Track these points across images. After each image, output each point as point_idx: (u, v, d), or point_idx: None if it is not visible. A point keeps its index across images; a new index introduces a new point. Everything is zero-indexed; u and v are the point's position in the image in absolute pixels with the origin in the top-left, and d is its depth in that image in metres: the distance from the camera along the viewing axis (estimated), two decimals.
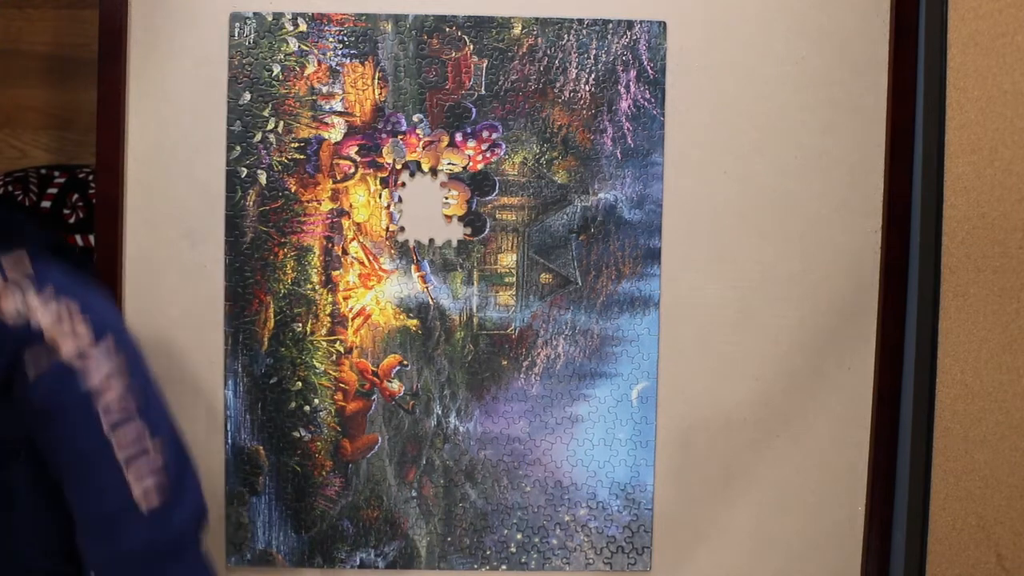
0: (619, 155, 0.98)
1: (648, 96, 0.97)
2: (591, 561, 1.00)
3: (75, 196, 1.13)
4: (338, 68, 0.96)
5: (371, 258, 0.98)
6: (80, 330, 0.78)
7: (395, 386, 0.99)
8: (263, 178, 0.97)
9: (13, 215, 1.10)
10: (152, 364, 0.97)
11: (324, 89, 0.96)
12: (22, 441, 0.82)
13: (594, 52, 0.97)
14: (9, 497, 1.01)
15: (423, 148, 0.97)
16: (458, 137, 0.97)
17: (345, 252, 0.97)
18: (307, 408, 0.98)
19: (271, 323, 0.98)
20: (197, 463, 0.81)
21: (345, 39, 0.96)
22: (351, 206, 0.97)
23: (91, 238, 1.11)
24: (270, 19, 0.96)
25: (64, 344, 0.77)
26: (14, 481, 1.02)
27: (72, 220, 1.12)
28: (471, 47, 0.97)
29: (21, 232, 1.07)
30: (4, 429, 0.81)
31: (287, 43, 0.96)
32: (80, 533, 0.81)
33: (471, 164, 0.97)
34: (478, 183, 0.97)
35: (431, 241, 0.97)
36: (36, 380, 0.78)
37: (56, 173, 1.17)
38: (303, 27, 0.96)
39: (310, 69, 0.96)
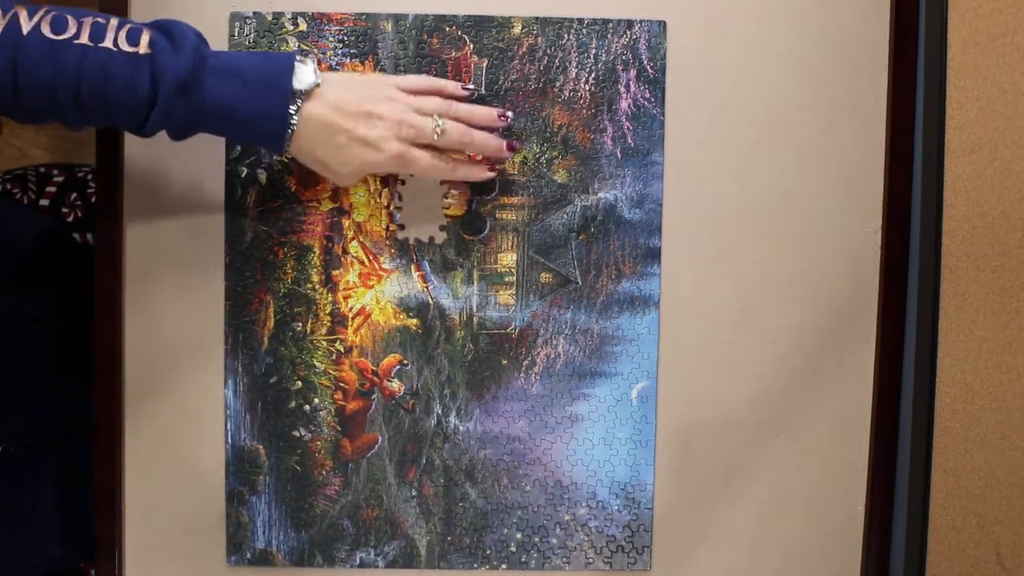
0: (619, 155, 0.97)
1: (648, 96, 0.97)
2: (591, 560, 1.00)
3: (73, 195, 1.13)
4: (338, 68, 0.96)
5: (371, 257, 0.98)
6: None
7: (395, 385, 0.99)
8: (263, 178, 0.97)
9: (14, 205, 1.10)
10: (152, 363, 0.98)
11: None
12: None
13: (594, 52, 0.97)
14: (26, 489, 1.02)
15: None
16: None
17: (345, 252, 0.97)
18: (307, 408, 0.98)
19: (271, 323, 0.98)
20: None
21: (345, 39, 0.96)
22: (351, 206, 0.97)
23: (89, 237, 1.11)
24: (270, 19, 0.96)
25: None
26: (33, 472, 1.02)
27: (70, 219, 1.12)
28: (471, 47, 0.97)
29: (22, 222, 1.07)
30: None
31: (287, 43, 0.96)
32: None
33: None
34: (478, 183, 0.97)
35: (431, 240, 0.97)
36: None
37: (55, 172, 1.17)
38: (303, 27, 0.96)
39: None
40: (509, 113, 0.94)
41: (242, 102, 0.80)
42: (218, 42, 0.95)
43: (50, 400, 1.03)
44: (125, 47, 0.77)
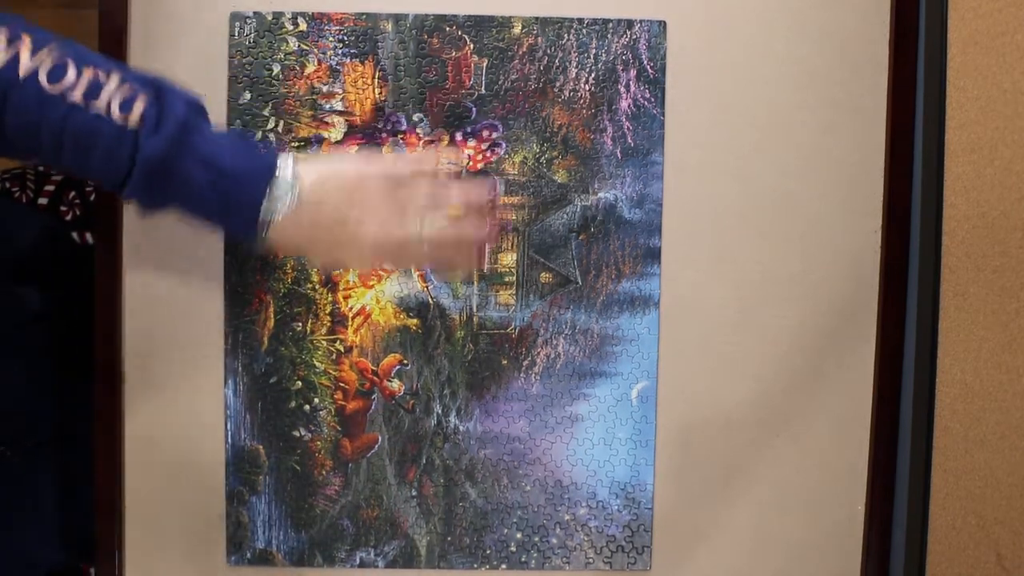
0: (619, 154, 0.97)
1: (648, 96, 0.97)
2: (591, 560, 1.00)
3: (72, 193, 1.13)
4: (338, 67, 0.96)
5: None
6: None
7: (395, 385, 0.99)
8: None
9: (13, 205, 1.10)
10: (152, 363, 0.97)
11: (324, 88, 0.96)
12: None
13: (594, 52, 0.97)
14: (26, 489, 1.02)
15: (423, 148, 0.97)
16: (458, 136, 0.97)
17: None
18: (307, 407, 0.98)
19: (271, 323, 0.98)
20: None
21: (345, 38, 0.96)
22: None
23: (88, 235, 1.11)
24: (270, 18, 0.96)
25: None
26: (33, 472, 1.02)
27: (69, 217, 1.12)
28: (471, 46, 0.97)
29: (21, 221, 1.07)
30: None
31: (287, 42, 0.96)
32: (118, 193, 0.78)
33: (471, 164, 0.97)
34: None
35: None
36: None
37: (53, 170, 1.17)
38: (303, 26, 0.96)
39: (310, 69, 0.96)
40: (498, 188, 0.94)
41: (212, 206, 0.78)
42: (218, 42, 0.96)
43: (50, 401, 1.03)
44: (116, 114, 0.75)
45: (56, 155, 0.76)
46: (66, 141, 0.74)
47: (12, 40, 0.74)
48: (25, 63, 0.73)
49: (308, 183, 0.79)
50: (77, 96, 0.74)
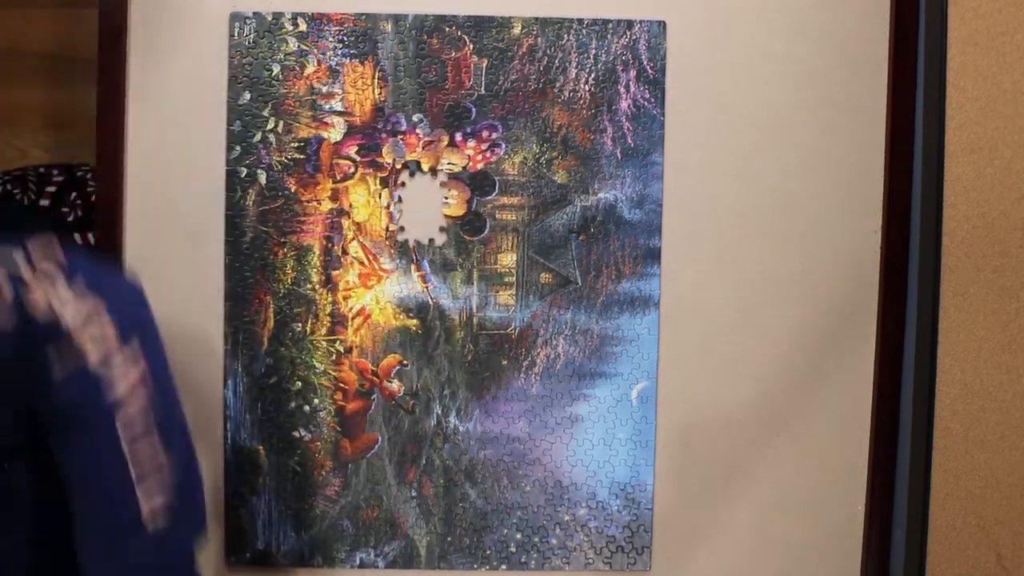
0: (619, 155, 0.97)
1: (648, 96, 0.97)
2: (591, 561, 1.00)
3: (73, 195, 1.13)
4: (338, 68, 0.96)
5: (371, 258, 0.98)
6: (107, 332, 0.77)
7: (395, 386, 0.99)
8: (263, 178, 0.97)
9: (14, 208, 1.10)
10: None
11: (324, 89, 0.96)
12: (25, 443, 0.81)
13: (594, 52, 0.97)
14: (9, 501, 1.01)
15: (423, 148, 0.97)
16: (458, 137, 0.97)
17: (345, 252, 0.97)
18: (307, 408, 0.98)
19: (271, 323, 0.98)
20: (202, 470, 0.81)
21: (345, 39, 0.96)
22: (351, 206, 0.97)
23: (90, 236, 1.11)
24: (270, 19, 0.96)
25: (91, 348, 0.76)
26: (15, 485, 1.01)
27: (71, 218, 1.12)
28: (471, 47, 0.97)
29: (22, 225, 1.07)
30: (9, 434, 0.80)
31: (287, 43, 0.96)
32: (81, 544, 0.80)
33: (471, 164, 0.97)
34: (478, 183, 0.97)
35: (431, 241, 0.97)
36: (61, 383, 0.76)
37: (55, 172, 1.17)
38: (303, 27, 0.96)
39: (310, 69, 0.96)
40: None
41: None
42: (218, 42, 0.96)
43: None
44: (144, 512, 0.77)
45: (62, 439, 0.77)
46: (89, 483, 0.77)
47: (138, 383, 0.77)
48: (131, 417, 0.77)
49: None
50: (137, 471, 0.77)
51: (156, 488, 0.77)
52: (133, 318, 0.79)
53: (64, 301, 0.76)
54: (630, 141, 0.97)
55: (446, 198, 0.97)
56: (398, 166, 0.97)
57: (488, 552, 1.00)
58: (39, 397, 0.77)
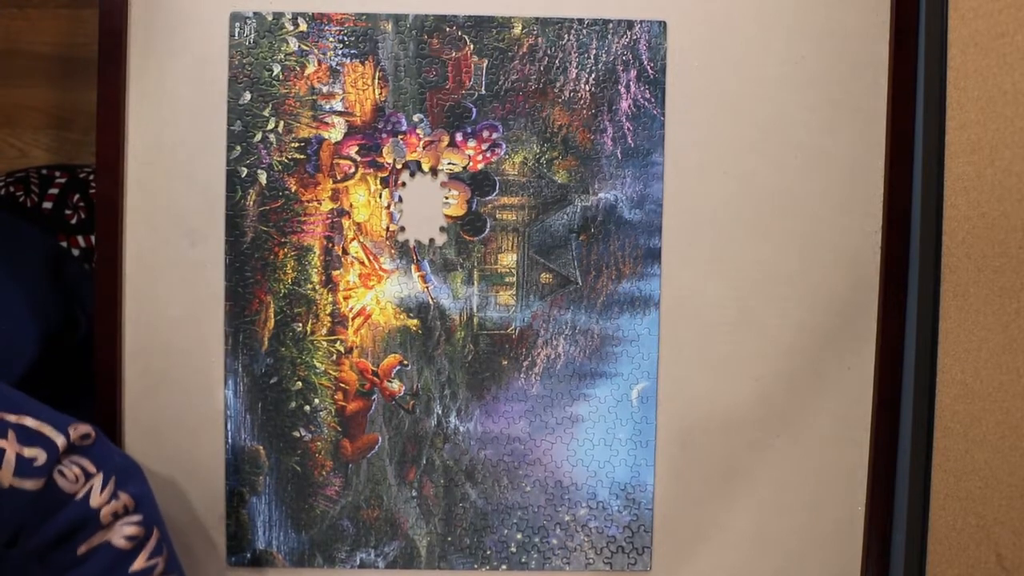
0: (619, 155, 0.98)
1: (648, 96, 0.97)
2: (591, 561, 1.00)
3: (76, 196, 1.13)
4: (338, 68, 0.96)
5: (371, 258, 0.98)
6: (132, 519, 0.81)
7: (395, 386, 0.99)
8: (263, 178, 0.97)
9: (14, 220, 1.10)
10: (152, 364, 0.97)
11: (324, 89, 0.96)
12: None
13: (594, 52, 0.97)
14: None
15: (423, 148, 0.97)
16: (458, 137, 0.97)
17: (345, 252, 0.98)
18: (307, 408, 0.98)
19: (271, 323, 0.98)
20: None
21: (345, 39, 0.96)
22: (351, 206, 0.97)
23: (92, 239, 1.11)
24: (270, 19, 0.96)
25: (116, 531, 0.80)
26: None
27: (73, 221, 1.12)
28: (471, 47, 0.97)
29: (21, 239, 1.07)
30: None
31: (287, 43, 0.96)
32: None
33: (471, 164, 0.97)
34: (478, 183, 0.97)
35: (431, 241, 0.98)
36: (85, 557, 0.79)
37: (57, 173, 1.17)
38: (303, 27, 0.96)
39: (310, 69, 0.96)
40: None
41: None
42: (218, 42, 0.96)
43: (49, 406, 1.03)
44: None
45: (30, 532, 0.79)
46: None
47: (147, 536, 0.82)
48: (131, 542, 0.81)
49: None
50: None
51: None
52: (153, 511, 0.84)
53: (93, 490, 0.80)
54: (630, 141, 0.98)
55: (446, 198, 0.98)
56: (398, 166, 0.97)
57: (488, 552, 1.00)
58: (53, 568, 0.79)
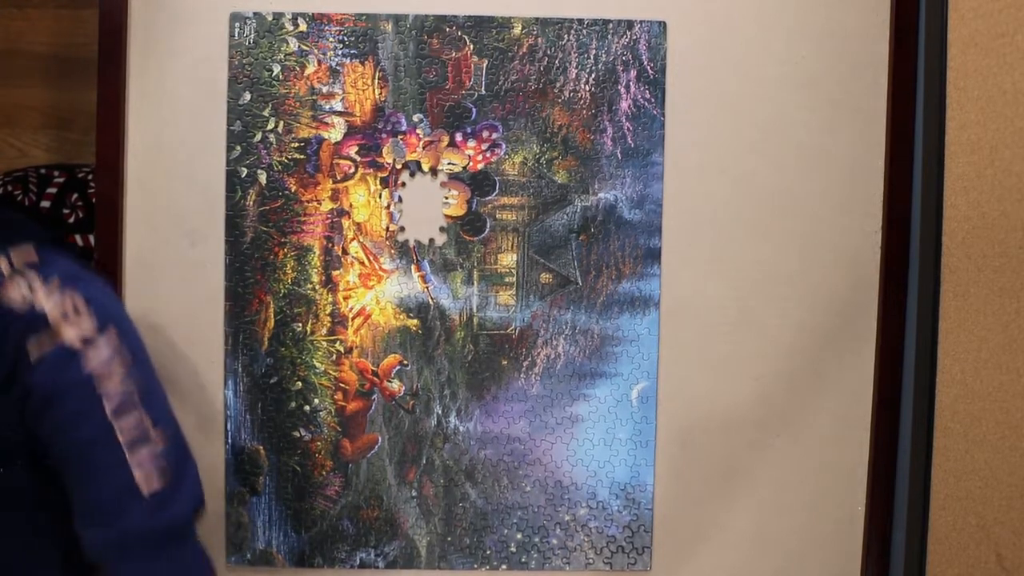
0: (619, 155, 0.97)
1: (648, 96, 0.97)
2: (591, 561, 1.00)
3: (75, 196, 1.13)
4: (338, 68, 0.96)
5: (371, 258, 0.98)
6: (84, 319, 0.79)
7: (395, 386, 0.99)
8: (263, 178, 0.97)
9: (13, 213, 1.10)
10: (152, 363, 0.97)
11: (324, 89, 0.96)
12: (21, 444, 0.82)
13: (594, 52, 0.97)
14: (9, 510, 1.01)
15: (423, 148, 0.97)
16: (458, 137, 0.97)
17: (345, 252, 0.97)
18: (307, 408, 0.98)
19: (271, 323, 0.98)
20: (196, 459, 0.82)
21: (345, 39, 0.96)
22: (351, 206, 0.97)
23: (91, 238, 1.11)
24: (270, 19, 0.96)
25: (67, 330, 0.78)
26: (14, 492, 1.01)
27: (72, 220, 1.12)
28: (471, 47, 0.97)
29: (21, 230, 1.07)
30: (4, 427, 0.81)
31: (287, 43, 0.96)
32: (79, 520, 0.81)
33: (471, 164, 0.97)
34: (478, 183, 0.97)
35: (431, 241, 0.97)
36: (38, 362, 0.78)
37: (56, 173, 1.17)
38: (303, 27, 0.96)
39: (310, 69, 0.96)
40: None
41: None
42: (218, 42, 0.96)
43: None
44: (138, 477, 0.78)
45: (47, 420, 0.79)
46: (81, 457, 0.79)
47: (111, 358, 0.79)
48: (111, 389, 0.79)
49: None
50: (125, 439, 0.79)
51: (147, 455, 0.78)
52: (109, 310, 0.81)
53: (38, 295, 0.79)
54: (630, 141, 0.97)
55: (446, 198, 0.97)
56: (398, 166, 0.97)
57: (488, 552, 1.00)
58: (21, 383, 0.78)
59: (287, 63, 0.96)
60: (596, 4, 0.97)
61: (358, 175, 0.97)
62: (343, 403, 0.98)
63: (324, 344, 0.98)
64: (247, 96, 0.96)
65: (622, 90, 0.97)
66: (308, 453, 0.99)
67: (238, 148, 0.96)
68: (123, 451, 0.78)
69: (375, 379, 0.98)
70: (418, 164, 0.97)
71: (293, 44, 0.96)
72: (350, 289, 0.98)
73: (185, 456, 0.82)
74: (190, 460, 0.82)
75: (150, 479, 0.78)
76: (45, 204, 1.11)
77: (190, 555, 0.81)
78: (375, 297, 0.98)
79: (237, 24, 0.96)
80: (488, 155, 0.97)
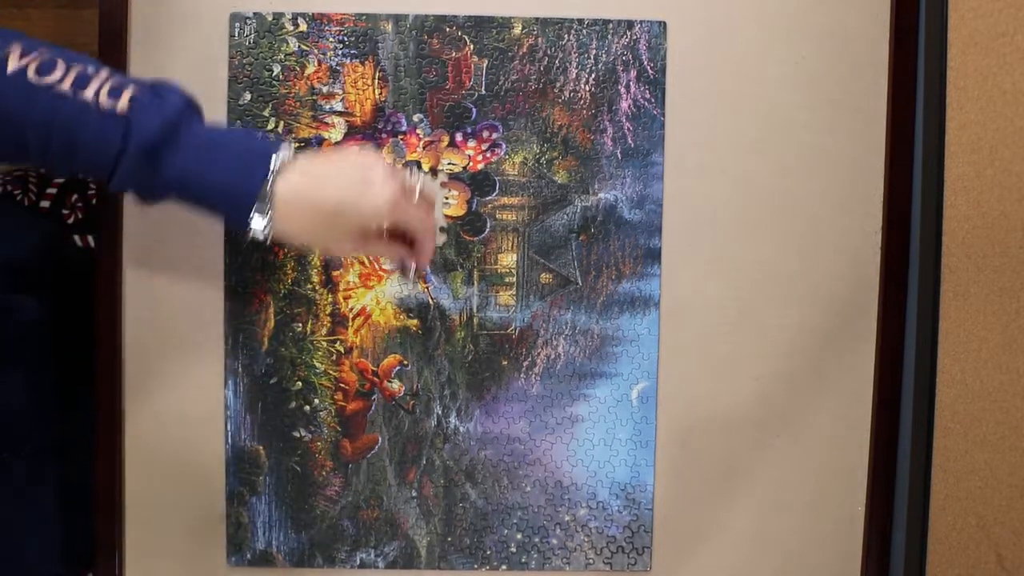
0: (619, 155, 0.98)
1: (648, 96, 0.97)
2: (591, 561, 1.00)
3: (74, 196, 1.13)
4: (338, 68, 0.96)
5: (371, 258, 0.98)
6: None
7: (395, 386, 0.99)
8: None
9: (15, 208, 1.10)
10: (152, 364, 0.98)
11: (324, 89, 0.96)
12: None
13: (594, 52, 0.97)
14: (27, 496, 1.01)
15: (423, 148, 0.97)
16: (458, 137, 0.97)
17: None
18: (307, 408, 0.98)
19: (271, 323, 0.98)
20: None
21: (345, 39, 0.96)
22: None
23: (90, 239, 1.11)
24: (270, 19, 0.96)
25: None
26: (34, 479, 1.02)
27: (71, 220, 1.12)
28: (471, 47, 0.97)
29: (21, 225, 1.07)
30: None
31: (287, 43, 0.96)
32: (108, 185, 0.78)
33: (471, 164, 0.97)
34: (478, 183, 0.97)
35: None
36: None
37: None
38: (303, 27, 0.96)
39: (310, 69, 0.96)
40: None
41: (210, 178, 0.77)
42: (218, 42, 0.96)
43: (50, 406, 1.03)
44: (104, 102, 0.74)
45: (44, 150, 0.75)
46: (54, 133, 0.74)
47: (1, 48, 0.74)
48: (13, 62, 0.74)
49: (304, 158, 0.80)
50: (65, 87, 0.74)
51: (98, 86, 0.75)
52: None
53: None
54: (630, 141, 0.97)
55: (446, 198, 0.97)
56: (398, 166, 0.97)
57: (488, 552, 1.00)
58: None
59: (287, 63, 0.96)
60: (596, 4, 0.97)
61: None
62: (343, 403, 0.98)
63: (324, 344, 0.98)
64: (247, 96, 0.96)
65: (622, 90, 0.97)
66: (308, 453, 0.99)
67: None
68: (72, 97, 0.74)
69: (375, 379, 0.98)
70: (418, 164, 0.97)
71: (293, 44, 0.96)
72: (350, 289, 0.98)
73: (140, 78, 0.78)
74: (152, 79, 0.78)
75: (118, 100, 0.75)
76: (45, 204, 1.11)
77: (204, 122, 0.78)
78: (375, 297, 0.98)
79: (237, 24, 0.96)
80: (488, 155, 0.97)
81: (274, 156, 0.77)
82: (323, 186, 0.79)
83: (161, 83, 0.78)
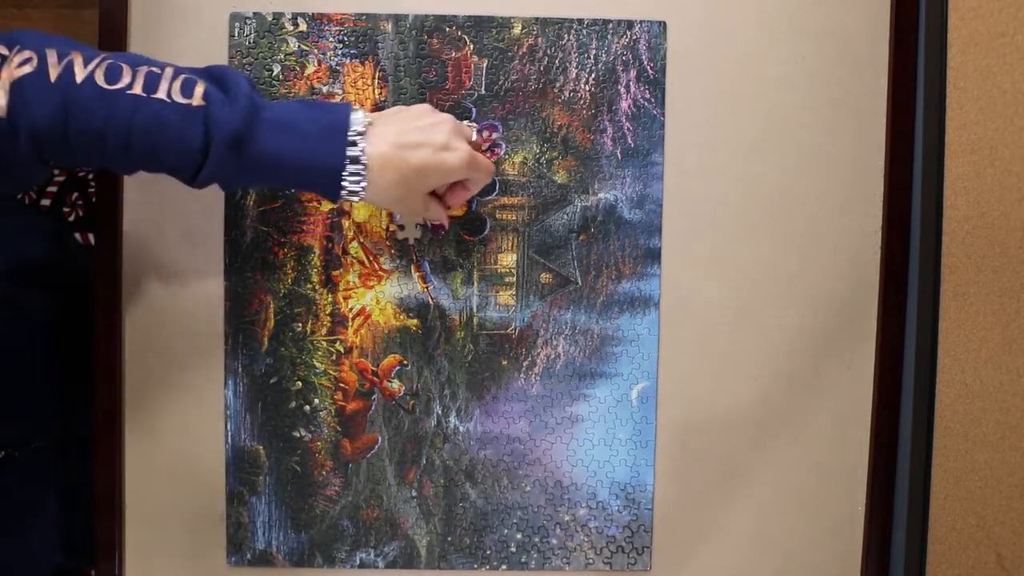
0: (619, 155, 0.98)
1: (648, 96, 0.97)
2: (591, 561, 1.00)
3: (75, 195, 1.13)
4: (338, 68, 0.96)
5: (371, 258, 0.98)
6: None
7: (395, 386, 0.99)
8: None
9: (16, 206, 1.10)
10: (152, 364, 0.98)
11: (324, 89, 0.96)
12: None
13: (594, 52, 0.97)
14: (30, 492, 1.01)
15: None
16: None
17: (345, 252, 0.97)
18: (307, 408, 0.98)
19: (271, 323, 0.98)
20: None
21: (345, 39, 0.96)
22: (351, 206, 0.97)
23: (91, 237, 1.11)
24: (270, 19, 0.96)
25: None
26: (38, 475, 1.02)
27: (72, 218, 1.12)
28: (471, 47, 0.97)
29: (24, 224, 1.07)
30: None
31: (287, 43, 0.96)
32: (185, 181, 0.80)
33: None
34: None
35: (431, 240, 0.97)
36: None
37: (56, 171, 1.17)
38: (303, 27, 0.96)
39: (310, 69, 0.96)
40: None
41: (298, 153, 0.80)
42: (218, 42, 0.96)
43: (53, 404, 1.03)
44: (179, 99, 0.76)
45: (125, 154, 0.77)
46: (134, 137, 0.76)
47: (62, 56, 0.75)
48: (80, 70, 0.75)
49: (377, 116, 0.85)
50: (137, 89, 0.76)
51: (161, 82, 0.77)
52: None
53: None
54: (630, 141, 0.97)
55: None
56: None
57: (488, 552, 1.00)
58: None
59: (287, 63, 0.96)
60: (596, 4, 0.97)
61: None
62: (343, 403, 0.98)
63: (324, 344, 0.98)
64: None
65: (622, 90, 0.97)
66: (308, 453, 0.99)
67: None
68: (146, 99, 0.76)
69: (375, 379, 0.98)
70: None
71: (293, 44, 0.96)
72: (350, 289, 0.98)
73: (201, 68, 0.80)
74: (210, 66, 0.81)
75: (192, 97, 0.77)
76: (45, 203, 1.12)
77: (277, 115, 0.80)
78: (375, 297, 0.98)
79: (237, 24, 0.96)
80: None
81: (353, 122, 0.81)
82: (407, 148, 0.83)
83: (226, 71, 0.80)
